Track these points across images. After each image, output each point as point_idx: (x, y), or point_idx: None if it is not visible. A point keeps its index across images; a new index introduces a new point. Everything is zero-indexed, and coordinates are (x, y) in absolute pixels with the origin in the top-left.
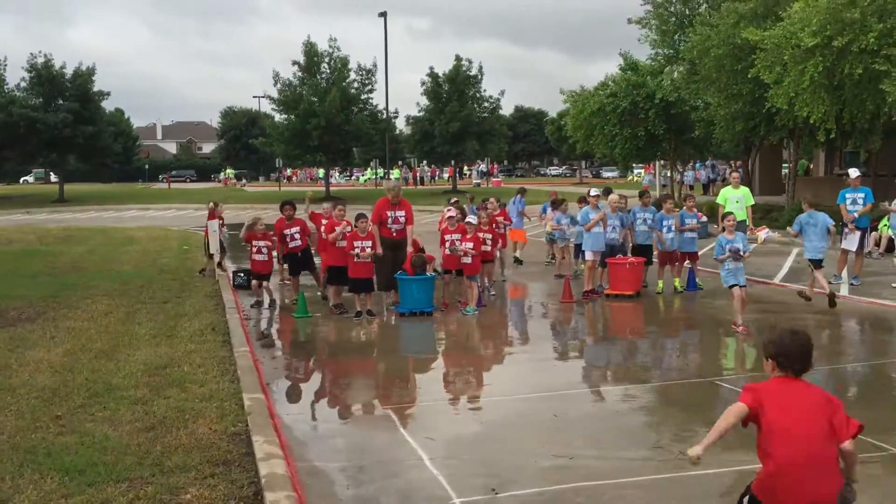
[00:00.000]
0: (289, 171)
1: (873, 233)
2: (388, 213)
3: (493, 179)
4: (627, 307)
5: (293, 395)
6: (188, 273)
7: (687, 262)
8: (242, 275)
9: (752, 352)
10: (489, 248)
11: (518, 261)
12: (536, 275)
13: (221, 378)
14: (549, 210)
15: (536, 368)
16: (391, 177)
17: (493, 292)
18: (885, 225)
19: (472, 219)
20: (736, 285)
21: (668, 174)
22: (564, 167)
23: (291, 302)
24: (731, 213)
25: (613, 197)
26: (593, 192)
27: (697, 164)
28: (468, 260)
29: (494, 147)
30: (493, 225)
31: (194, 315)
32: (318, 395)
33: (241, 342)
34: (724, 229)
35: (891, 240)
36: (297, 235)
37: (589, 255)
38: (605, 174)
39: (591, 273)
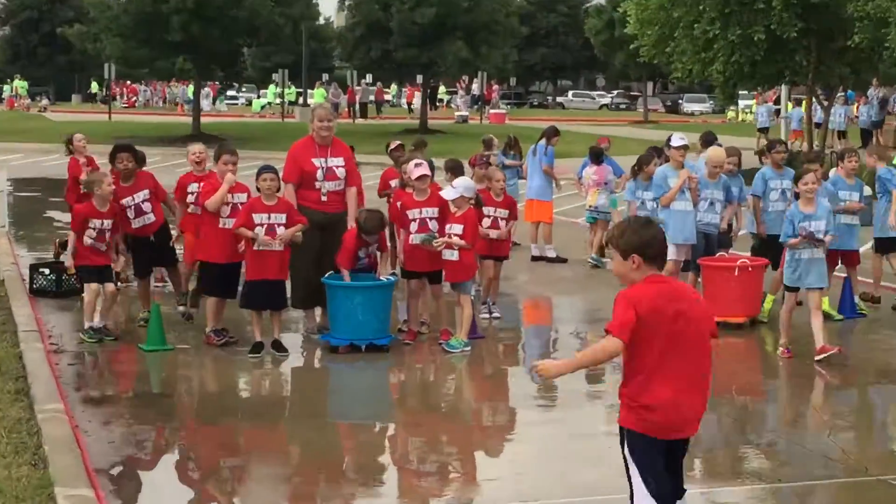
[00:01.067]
0: (129, 90)
1: None
2: (316, 164)
3: (492, 111)
4: (735, 346)
5: (140, 495)
6: None
7: (840, 264)
8: (49, 272)
9: None
10: (504, 234)
11: (540, 257)
12: (571, 280)
13: (14, 459)
14: (589, 168)
15: (571, 453)
16: (312, 101)
17: (495, 313)
18: None
19: (460, 185)
20: (797, 289)
21: (800, 110)
22: (616, 93)
23: (137, 323)
24: (814, 166)
25: (716, 152)
26: (677, 140)
27: (850, 94)
28: (453, 256)
29: (495, 53)
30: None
31: None
32: (181, 498)
33: (50, 394)
34: (797, 197)
35: None
36: (146, 206)
37: (670, 252)
38: (689, 107)
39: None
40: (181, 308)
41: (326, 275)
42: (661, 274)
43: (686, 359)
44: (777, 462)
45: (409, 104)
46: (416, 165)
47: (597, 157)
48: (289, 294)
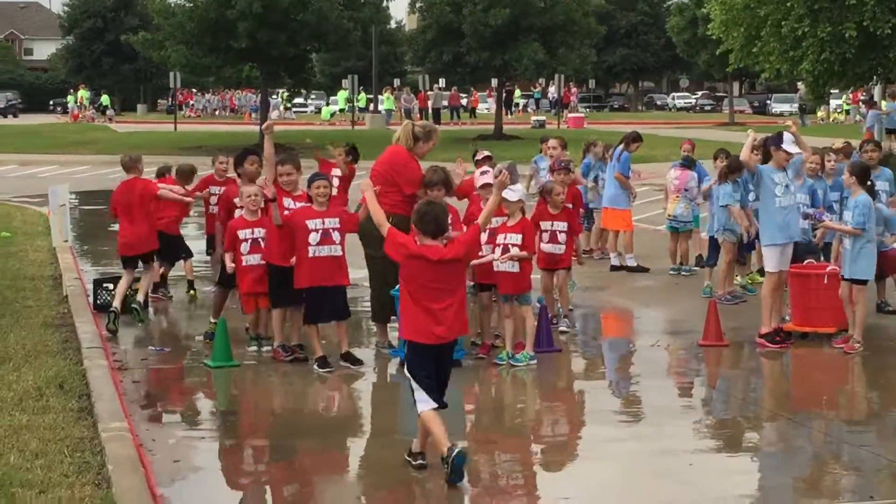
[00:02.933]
0: (194, 99)
1: None
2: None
3: (570, 115)
4: (825, 358)
5: None
6: (15, 281)
7: None
8: (114, 287)
9: None
10: (563, 249)
11: (620, 266)
12: (651, 290)
13: (77, 479)
14: (673, 172)
15: (655, 471)
16: (382, 107)
17: (567, 326)
18: None
19: (513, 190)
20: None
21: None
22: (700, 94)
23: (203, 340)
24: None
25: (812, 156)
26: (793, 147)
27: None
28: (514, 267)
29: (573, 54)
30: (573, 202)
31: (25, 360)
32: None
33: (114, 412)
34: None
35: None
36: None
37: (770, 259)
38: (778, 108)
39: (775, 296)
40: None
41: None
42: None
43: None
44: (869, 478)
45: (473, 109)
46: (482, 173)
47: (689, 163)
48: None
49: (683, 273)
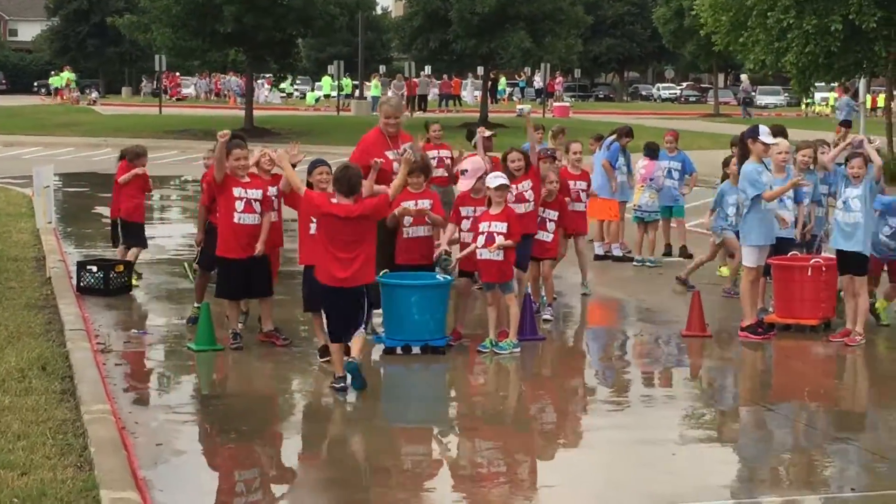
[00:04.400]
0: (182, 83)
1: None
2: (391, 157)
3: (556, 104)
4: (808, 350)
5: (187, 499)
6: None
7: None
8: (97, 269)
9: None
10: (551, 237)
11: (605, 256)
12: (634, 280)
13: (59, 461)
14: (643, 163)
15: (637, 460)
16: (369, 94)
17: (550, 315)
18: None
19: (495, 178)
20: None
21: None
22: (685, 85)
23: (186, 324)
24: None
25: (805, 149)
26: (769, 137)
27: None
28: (498, 255)
29: (559, 44)
30: (566, 189)
31: (7, 342)
32: (229, 502)
33: (97, 395)
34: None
35: None
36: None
37: (749, 257)
38: (762, 100)
39: (754, 289)
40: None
41: (381, 273)
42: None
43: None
44: (850, 470)
45: (458, 98)
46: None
47: (653, 153)
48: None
49: (648, 265)
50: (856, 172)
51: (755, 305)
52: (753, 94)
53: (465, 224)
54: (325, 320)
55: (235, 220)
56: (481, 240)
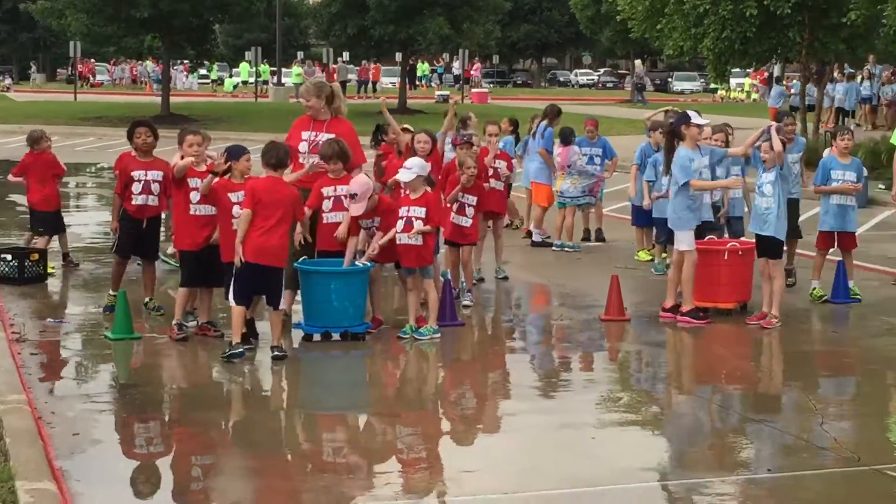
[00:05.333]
0: (85, 68)
1: None
2: (304, 137)
3: (474, 91)
4: (725, 333)
5: (105, 489)
6: None
7: (835, 247)
8: (11, 258)
9: None
10: (470, 222)
11: (534, 239)
12: (558, 266)
13: None
14: (558, 150)
15: (557, 444)
16: (289, 80)
17: (470, 300)
18: None
19: (407, 168)
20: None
21: (795, 87)
22: (603, 71)
23: (102, 312)
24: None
25: (706, 130)
26: (698, 118)
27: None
28: (417, 241)
29: (477, 30)
30: (484, 174)
31: None
32: (148, 492)
33: (12, 385)
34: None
35: None
36: (155, 188)
37: (685, 241)
38: (679, 85)
39: (679, 271)
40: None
41: (300, 259)
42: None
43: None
44: (767, 451)
45: (374, 83)
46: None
47: (567, 139)
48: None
49: (567, 249)
50: (764, 157)
51: (675, 289)
52: (670, 79)
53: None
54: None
55: (192, 211)
56: (400, 224)
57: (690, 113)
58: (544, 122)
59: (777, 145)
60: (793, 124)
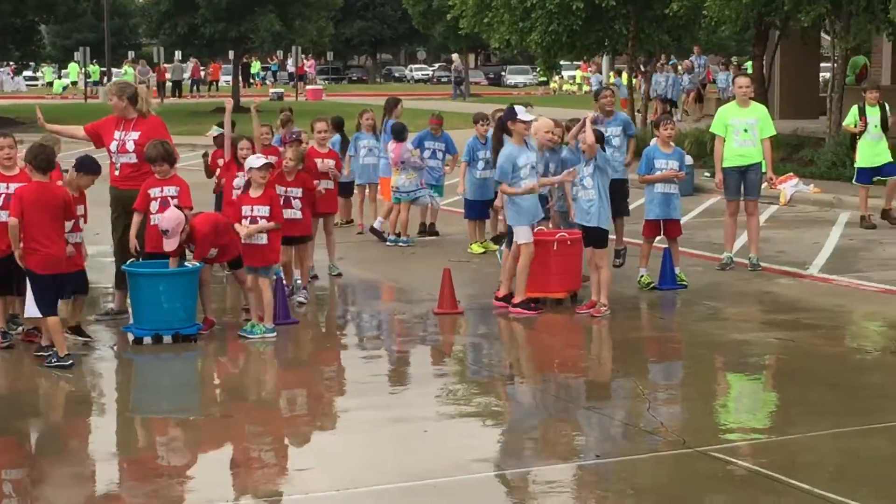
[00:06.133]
0: None
1: None
2: (115, 137)
3: (309, 88)
4: (556, 323)
5: None
6: None
7: (661, 235)
8: None
9: (773, 400)
10: (299, 214)
11: (374, 226)
12: (393, 261)
13: None
14: (391, 146)
15: (392, 439)
16: (118, 78)
17: (304, 298)
18: None
19: (253, 161)
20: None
21: (624, 78)
22: (437, 66)
23: None
24: (668, 120)
25: (542, 122)
26: (524, 114)
27: (678, 64)
28: (262, 240)
29: (310, 27)
30: (314, 172)
31: None
32: None
33: None
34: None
35: None
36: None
37: (522, 235)
38: (512, 79)
39: (515, 262)
40: None
41: (128, 262)
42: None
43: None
44: (596, 437)
45: (214, 82)
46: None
47: (399, 135)
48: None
49: (401, 244)
50: (584, 148)
51: (508, 279)
52: (503, 73)
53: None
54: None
55: None
56: (246, 224)
57: (517, 108)
58: (386, 117)
59: (590, 138)
60: (609, 97)
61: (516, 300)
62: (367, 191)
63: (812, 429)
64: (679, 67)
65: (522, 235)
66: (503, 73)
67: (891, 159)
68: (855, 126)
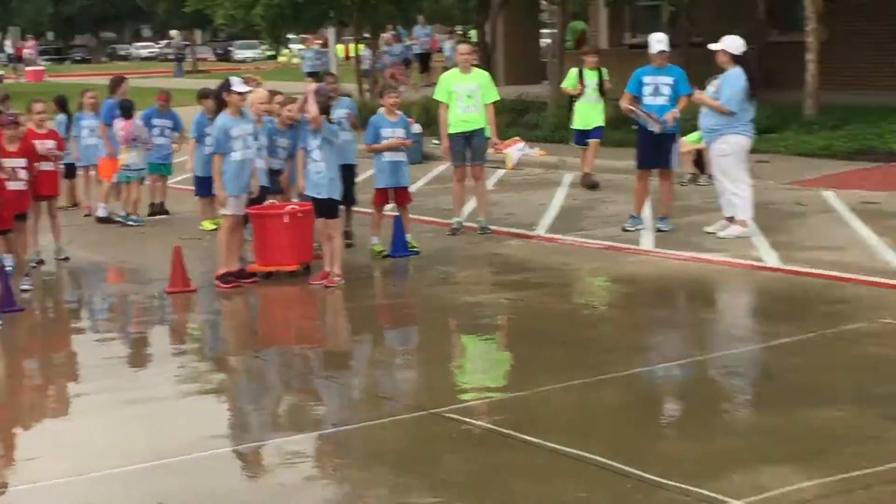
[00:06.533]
0: None
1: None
2: None
3: (29, 69)
4: (290, 295)
5: None
6: None
7: (391, 204)
8: None
9: (506, 359)
10: (24, 185)
11: (100, 215)
12: (123, 241)
13: None
14: (120, 124)
15: (126, 421)
16: None
17: (29, 285)
18: (698, 137)
19: None
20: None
21: (353, 50)
22: (164, 43)
23: None
24: (393, 89)
25: (258, 93)
26: (241, 86)
27: (404, 33)
28: None
29: (27, 7)
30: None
31: None
32: None
33: None
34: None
35: (699, 154)
36: None
37: (230, 207)
38: (241, 54)
39: (231, 238)
40: None
41: None
42: None
43: None
44: (334, 406)
45: None
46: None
47: (127, 111)
48: None
49: (130, 223)
50: (309, 119)
51: (234, 254)
52: (231, 48)
53: None
54: None
55: None
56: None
57: (232, 80)
58: (110, 96)
59: (313, 109)
60: (334, 82)
61: (218, 273)
62: (90, 172)
63: (544, 384)
64: (406, 39)
65: (228, 206)
66: (231, 49)
67: (602, 123)
68: (573, 88)
